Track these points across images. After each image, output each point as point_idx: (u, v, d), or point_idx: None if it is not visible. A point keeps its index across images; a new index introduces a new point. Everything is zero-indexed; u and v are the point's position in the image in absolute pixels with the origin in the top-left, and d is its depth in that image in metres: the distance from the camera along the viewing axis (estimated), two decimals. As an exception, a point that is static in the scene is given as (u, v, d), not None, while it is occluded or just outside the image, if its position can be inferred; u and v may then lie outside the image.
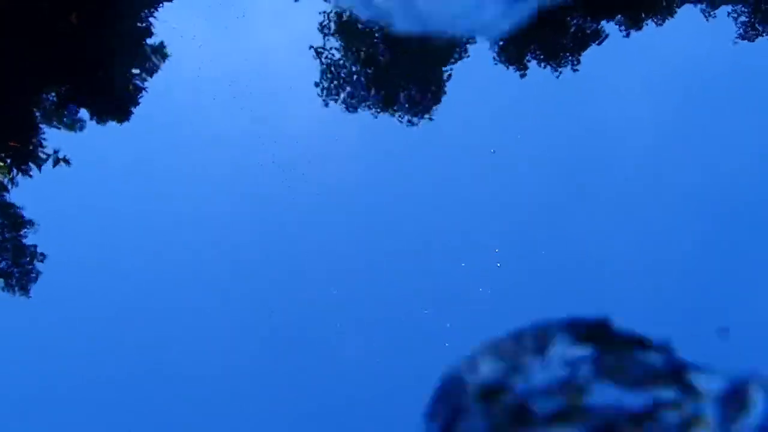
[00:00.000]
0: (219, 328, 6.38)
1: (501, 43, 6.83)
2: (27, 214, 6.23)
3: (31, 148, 5.63)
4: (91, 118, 6.27)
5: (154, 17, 6.24)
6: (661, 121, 7.38)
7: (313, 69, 7.04)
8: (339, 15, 6.87)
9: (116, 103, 6.13)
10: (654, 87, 7.61)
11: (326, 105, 6.91)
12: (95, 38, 5.65)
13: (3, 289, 6.27)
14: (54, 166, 5.72)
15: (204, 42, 7.66)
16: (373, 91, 6.84)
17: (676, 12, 6.99)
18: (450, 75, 6.89)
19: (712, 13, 7.14)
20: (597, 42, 6.86)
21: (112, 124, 6.28)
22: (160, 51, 6.31)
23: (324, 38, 6.96)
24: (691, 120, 7.44)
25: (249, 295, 6.47)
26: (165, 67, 6.98)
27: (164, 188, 7.87)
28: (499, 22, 6.29)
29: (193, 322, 6.30)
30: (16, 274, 6.11)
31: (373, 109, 6.88)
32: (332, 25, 7.01)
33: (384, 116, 6.95)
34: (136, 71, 6.30)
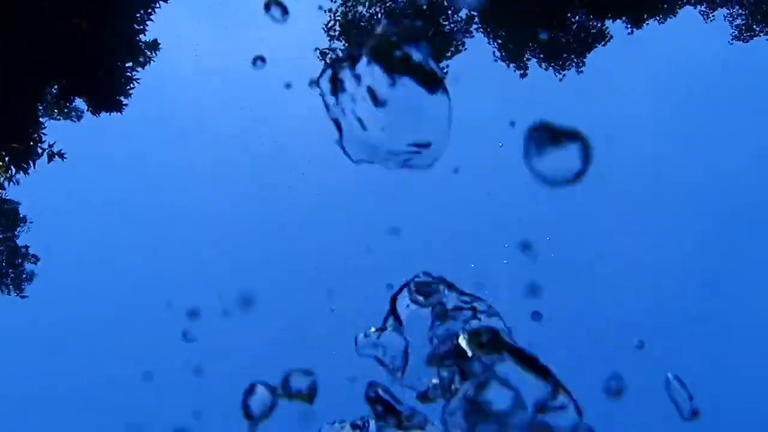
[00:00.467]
0: (217, 328, 6.36)
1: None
2: (22, 210, 6.19)
3: (31, 143, 5.61)
4: (88, 109, 6.23)
5: (151, 20, 6.24)
6: (660, 118, 7.38)
7: (313, 69, 7.03)
8: (343, 14, 6.86)
9: (116, 102, 6.12)
10: (653, 87, 7.62)
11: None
12: (95, 38, 5.64)
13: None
14: (49, 161, 5.69)
15: (204, 42, 7.65)
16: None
17: (676, 12, 6.98)
18: (446, 71, 6.81)
19: (710, 14, 7.14)
20: (602, 43, 6.83)
21: (110, 122, 6.27)
22: (155, 47, 6.29)
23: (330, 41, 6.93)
24: (691, 120, 7.45)
25: (243, 286, 6.43)
26: (165, 68, 6.96)
27: (163, 187, 7.85)
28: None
29: (191, 323, 6.27)
30: (11, 274, 6.08)
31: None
32: (334, 24, 6.99)
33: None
34: (135, 73, 6.29)
